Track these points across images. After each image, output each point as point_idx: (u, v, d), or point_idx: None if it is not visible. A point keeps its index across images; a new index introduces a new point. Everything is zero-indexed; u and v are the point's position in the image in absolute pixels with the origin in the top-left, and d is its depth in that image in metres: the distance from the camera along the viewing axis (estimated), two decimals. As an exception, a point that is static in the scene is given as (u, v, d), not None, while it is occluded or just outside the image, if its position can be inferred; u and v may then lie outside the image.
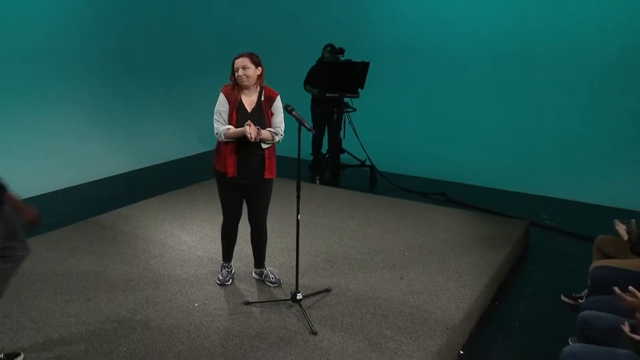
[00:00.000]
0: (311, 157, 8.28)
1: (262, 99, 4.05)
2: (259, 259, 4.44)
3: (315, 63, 7.93)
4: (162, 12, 9.20)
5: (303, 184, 7.04)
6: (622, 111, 7.22)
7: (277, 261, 4.77)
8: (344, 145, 8.13)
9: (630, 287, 2.71)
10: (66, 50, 7.90)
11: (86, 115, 8.32)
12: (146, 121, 9.38)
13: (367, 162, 8.02)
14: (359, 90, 7.65)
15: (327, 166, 8.14)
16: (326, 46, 7.86)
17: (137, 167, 8.25)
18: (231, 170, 4.01)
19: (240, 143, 3.96)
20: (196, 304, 4.02)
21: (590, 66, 7.40)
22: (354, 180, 7.95)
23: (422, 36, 8.69)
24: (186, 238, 5.23)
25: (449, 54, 8.50)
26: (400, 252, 5.03)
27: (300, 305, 3.90)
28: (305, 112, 7.87)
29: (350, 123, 7.83)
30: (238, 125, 3.94)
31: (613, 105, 7.29)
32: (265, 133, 3.97)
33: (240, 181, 4.06)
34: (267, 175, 4.10)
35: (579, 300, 4.36)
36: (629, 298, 2.67)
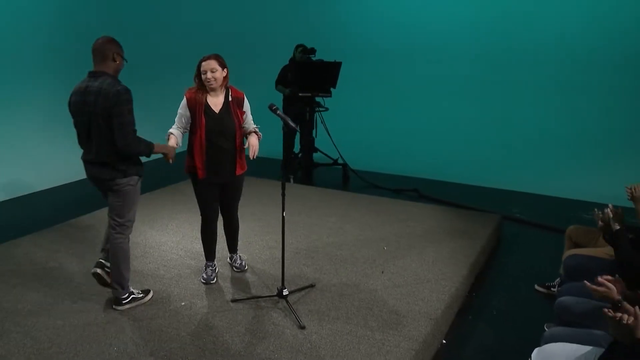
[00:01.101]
0: (282, 157, 8.37)
1: (230, 99, 4.09)
2: (232, 245, 4.63)
3: (287, 63, 8.00)
4: (130, 10, 9.10)
5: (276, 183, 7.19)
6: (590, 110, 7.51)
7: (260, 259, 4.84)
8: (316, 144, 8.22)
9: (599, 278, 2.87)
10: (27, 52, 7.74)
11: (51, 118, 8.16)
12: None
13: (340, 161, 8.13)
14: (331, 89, 7.75)
15: (300, 165, 8.22)
16: (297, 46, 7.94)
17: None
18: (200, 172, 4.06)
19: (210, 143, 4.01)
20: (183, 303, 4.05)
21: (559, 66, 7.66)
22: (327, 178, 8.05)
23: (392, 35, 8.83)
24: (167, 239, 5.24)
25: (419, 52, 8.66)
26: (379, 247, 5.14)
27: (286, 301, 3.97)
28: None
29: (322, 122, 7.93)
30: (209, 127, 3.98)
31: (581, 103, 7.56)
32: (255, 142, 4.08)
33: (212, 181, 4.13)
34: (238, 172, 4.19)
35: (552, 289, 4.55)
36: (599, 288, 2.83)
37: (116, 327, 3.70)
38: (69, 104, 3.77)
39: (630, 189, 3.83)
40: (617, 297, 2.69)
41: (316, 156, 8.26)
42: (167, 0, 9.79)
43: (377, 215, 6.01)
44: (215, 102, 4.05)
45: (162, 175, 7.48)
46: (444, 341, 3.94)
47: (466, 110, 8.36)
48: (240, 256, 4.67)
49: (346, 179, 8.09)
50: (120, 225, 3.88)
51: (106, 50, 3.69)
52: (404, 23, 8.76)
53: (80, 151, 3.90)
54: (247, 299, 4.10)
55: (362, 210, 6.18)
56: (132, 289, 4.03)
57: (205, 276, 4.40)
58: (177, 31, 10.01)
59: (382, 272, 4.60)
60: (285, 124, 4.04)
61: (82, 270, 4.56)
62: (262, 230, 5.47)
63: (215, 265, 4.51)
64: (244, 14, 10.08)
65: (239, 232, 4.63)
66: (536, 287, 4.68)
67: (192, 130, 4.09)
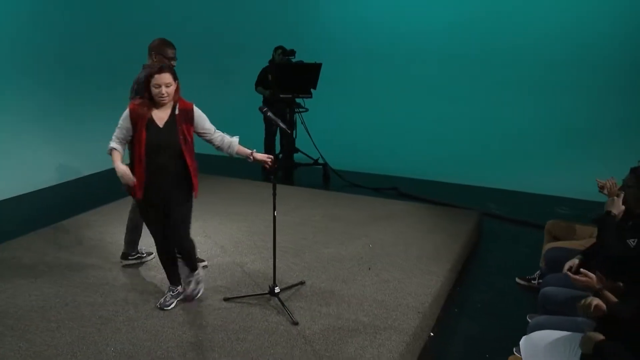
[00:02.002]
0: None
1: (177, 112, 3.76)
2: (188, 266, 4.14)
3: (266, 65, 8.08)
4: (107, 11, 9.05)
5: (260, 183, 7.26)
6: (564, 108, 7.78)
7: (249, 258, 4.91)
8: (297, 145, 8.31)
9: (581, 269, 3.05)
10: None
11: (31, 123, 8.10)
12: (93, 126, 9.23)
13: (320, 160, 8.23)
14: (312, 90, 7.85)
15: (280, 165, 8.30)
16: (277, 48, 8.02)
17: (88, 173, 8.11)
18: (139, 193, 3.74)
19: (150, 160, 3.68)
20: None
21: (535, 65, 7.91)
22: (308, 178, 8.14)
23: (372, 36, 8.98)
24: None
25: (398, 53, 8.83)
26: (364, 244, 5.26)
27: (279, 298, 4.06)
28: (257, 113, 8.00)
29: (302, 123, 8.02)
30: (149, 143, 3.66)
31: (556, 102, 7.83)
32: (261, 157, 3.98)
33: (154, 201, 3.82)
34: (183, 194, 3.85)
35: (532, 282, 4.73)
36: (582, 279, 3.00)
37: (112, 328, 3.75)
38: None
39: (604, 184, 4.03)
40: (598, 286, 2.86)
41: (297, 156, 8.34)
42: (147, 2, 9.76)
43: (359, 213, 6.13)
44: (161, 115, 3.72)
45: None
46: (432, 334, 4.07)
47: (443, 109, 8.55)
48: (196, 279, 4.12)
49: (327, 178, 8.19)
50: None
51: (150, 48, 4.26)
52: (383, 24, 8.92)
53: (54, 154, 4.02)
54: (240, 297, 4.18)
55: (345, 209, 6.29)
56: (140, 250, 4.77)
57: (161, 300, 4.04)
58: (153, 32, 9.97)
59: (369, 269, 4.72)
60: (277, 126, 4.11)
61: (72, 272, 4.58)
62: (249, 230, 5.54)
63: (178, 290, 4.12)
64: (222, 15, 10.11)
65: (229, 235, 4.72)
66: (517, 280, 4.85)
67: (132, 145, 3.76)
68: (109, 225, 5.61)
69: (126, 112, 3.74)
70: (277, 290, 4.10)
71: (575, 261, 3.70)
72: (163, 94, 3.65)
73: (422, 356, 3.80)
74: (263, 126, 8.23)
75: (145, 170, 3.69)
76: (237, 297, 4.17)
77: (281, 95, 7.77)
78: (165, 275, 4.21)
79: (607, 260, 3.55)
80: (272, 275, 4.21)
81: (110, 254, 4.95)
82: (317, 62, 7.67)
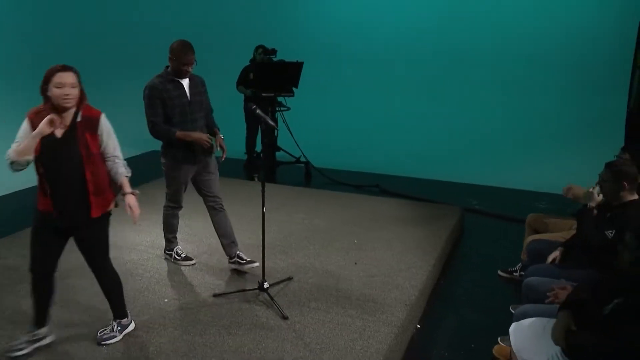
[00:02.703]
0: (245, 157, 8.48)
1: (79, 119, 3.25)
2: (113, 310, 3.66)
3: (247, 64, 8.11)
4: (84, 11, 8.99)
5: (242, 182, 7.30)
6: (540, 106, 7.98)
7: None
8: (278, 143, 8.35)
9: (553, 286, 3.32)
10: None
11: (7, 123, 8.00)
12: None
13: (302, 159, 8.29)
14: (294, 89, 7.90)
15: (262, 164, 8.34)
16: (257, 47, 8.06)
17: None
18: (41, 212, 3.30)
19: (50, 175, 3.22)
20: (166, 300, 4.14)
21: (510, 64, 8.11)
22: (290, 176, 8.18)
23: (351, 37, 9.08)
24: (141, 239, 5.29)
25: (377, 52, 8.94)
26: (349, 240, 5.33)
27: (268, 293, 4.11)
28: (238, 112, 8.06)
29: (284, 121, 8.07)
30: (46, 155, 3.16)
31: (532, 100, 8.02)
32: (134, 203, 3.45)
33: (57, 224, 3.32)
34: (94, 213, 3.34)
35: (514, 274, 4.85)
36: (560, 291, 3.21)
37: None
38: None
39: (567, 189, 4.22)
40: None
41: (278, 155, 8.39)
42: (125, 3, 9.71)
43: (343, 210, 6.20)
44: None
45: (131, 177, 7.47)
46: (418, 326, 4.16)
47: (424, 107, 8.68)
48: (115, 327, 3.61)
49: (308, 176, 8.25)
50: (166, 194, 4.59)
51: (169, 51, 4.20)
52: (360, 25, 9.03)
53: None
54: (229, 293, 4.21)
55: (329, 206, 6.36)
56: (175, 249, 4.82)
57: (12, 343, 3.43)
58: (131, 32, 9.96)
59: (356, 264, 4.80)
60: (265, 123, 4.16)
61: (59, 272, 4.54)
62: (235, 228, 5.52)
63: (41, 334, 3.49)
64: (202, 14, 10.11)
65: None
66: (499, 272, 4.97)
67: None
68: (94, 225, 5.58)
69: (25, 124, 3.18)
70: (266, 285, 4.15)
71: (557, 253, 3.85)
72: (67, 95, 3.11)
73: (410, 347, 3.88)
74: (244, 125, 8.26)
75: (48, 187, 3.23)
76: (226, 293, 4.21)
77: (263, 94, 7.81)
78: (158, 275, 4.22)
79: (587, 251, 3.70)
80: (259, 271, 4.26)
81: (96, 253, 4.93)
82: (299, 60, 7.72)
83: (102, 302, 3.78)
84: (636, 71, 7.69)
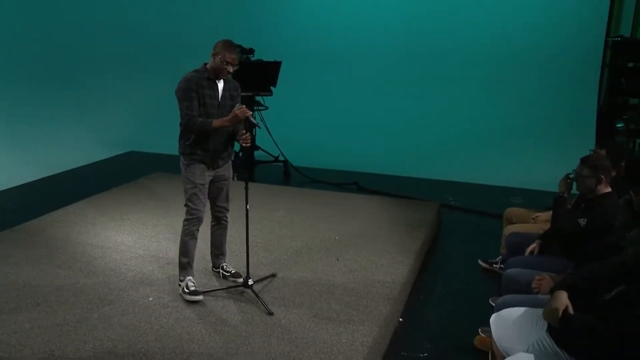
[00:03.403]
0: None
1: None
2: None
3: (226, 63, 8.11)
4: (64, 10, 8.90)
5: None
6: (515, 103, 8.18)
7: (219, 253, 4.97)
8: (257, 142, 8.37)
9: (535, 277, 3.40)
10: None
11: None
12: (48, 128, 9.10)
13: (281, 158, 8.33)
14: (272, 88, 7.94)
15: (241, 163, 8.35)
16: (235, 47, 8.06)
17: (44, 176, 7.94)
18: None
19: None
20: (150, 299, 4.15)
21: (485, 62, 8.27)
22: (268, 175, 8.21)
23: (327, 35, 9.14)
24: (123, 238, 5.28)
25: (353, 51, 9.02)
26: (330, 237, 5.40)
27: (252, 290, 4.15)
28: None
29: (262, 120, 8.09)
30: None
31: (507, 98, 8.21)
32: None
33: None
34: None
35: (494, 265, 4.98)
36: (541, 282, 3.34)
37: (88, 326, 3.76)
38: None
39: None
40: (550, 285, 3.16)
41: (257, 154, 8.41)
42: (103, 2, 9.64)
43: (323, 208, 6.27)
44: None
45: (96, 179, 7.47)
46: (401, 319, 4.25)
47: (400, 106, 8.79)
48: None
49: (287, 175, 8.30)
50: (185, 205, 4.21)
51: (213, 48, 4.08)
52: (338, 23, 9.09)
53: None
54: (214, 290, 4.24)
55: (308, 204, 6.42)
56: (186, 279, 4.19)
57: None
58: (109, 33, 9.89)
59: (338, 260, 4.87)
60: (248, 121, 4.17)
61: (40, 274, 4.53)
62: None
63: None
64: (178, 15, 10.07)
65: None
66: (480, 262, 5.10)
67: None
68: (74, 226, 5.56)
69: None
70: (250, 282, 4.19)
71: (535, 245, 3.98)
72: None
73: (393, 340, 3.97)
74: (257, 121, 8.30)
75: None
76: (211, 291, 4.24)
77: (242, 94, 7.81)
78: (141, 275, 4.21)
79: (561, 239, 3.84)
80: (243, 268, 4.30)
81: (78, 253, 4.92)
82: (277, 60, 7.76)
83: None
84: (605, 69, 7.93)
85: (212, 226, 4.49)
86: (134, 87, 10.01)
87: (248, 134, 4.13)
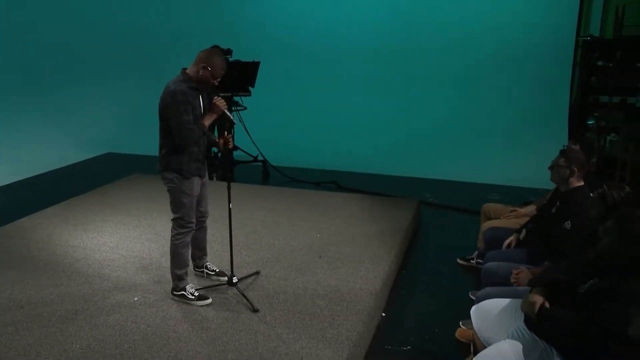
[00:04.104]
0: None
1: None
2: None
3: (203, 64, 8.12)
4: (38, 10, 8.81)
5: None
6: (489, 101, 8.36)
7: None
8: (235, 142, 8.38)
9: (512, 270, 3.54)
10: None
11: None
12: (24, 131, 9.01)
13: (260, 157, 8.36)
14: (250, 88, 7.98)
15: (220, 164, 8.37)
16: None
17: (20, 178, 7.86)
18: None
19: None
20: (136, 298, 4.17)
21: (460, 61, 8.45)
22: (248, 175, 8.24)
23: (304, 35, 9.21)
24: (105, 240, 5.27)
25: (331, 51, 9.12)
26: (312, 235, 5.47)
27: (237, 288, 4.20)
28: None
29: (240, 121, 8.12)
30: None
31: (481, 95, 8.40)
32: None
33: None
34: None
35: (471, 261, 5.10)
36: (519, 275, 3.48)
37: (74, 327, 3.77)
38: None
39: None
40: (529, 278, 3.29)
41: (236, 154, 8.43)
42: (78, 1, 9.56)
43: (303, 206, 6.33)
44: None
45: (70, 182, 7.42)
46: (383, 314, 4.34)
47: (378, 105, 8.91)
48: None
49: (266, 175, 8.34)
50: (172, 220, 4.11)
51: (200, 59, 3.87)
52: (316, 23, 9.18)
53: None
54: (198, 289, 4.26)
55: (289, 203, 6.48)
56: (187, 288, 4.13)
57: None
58: (80, 32, 9.81)
59: (320, 257, 4.94)
60: (225, 117, 4.18)
61: (22, 276, 4.51)
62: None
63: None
64: (154, 15, 10.04)
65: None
66: (458, 260, 5.21)
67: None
68: (55, 228, 5.54)
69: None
70: (234, 280, 4.23)
71: (512, 238, 4.11)
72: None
73: (377, 335, 4.05)
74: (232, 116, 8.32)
75: None
76: (196, 289, 4.26)
77: (221, 94, 7.83)
78: (125, 275, 4.22)
79: (544, 238, 3.92)
80: (226, 268, 4.35)
81: (60, 255, 4.91)
82: (255, 60, 7.80)
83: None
84: (576, 68, 8.14)
85: (195, 230, 4.43)
86: (110, 89, 9.97)
87: (229, 136, 4.15)
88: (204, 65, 3.86)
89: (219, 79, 3.98)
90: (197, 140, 3.94)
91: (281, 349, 3.52)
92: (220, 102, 4.02)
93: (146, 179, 7.22)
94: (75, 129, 9.58)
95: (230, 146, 4.15)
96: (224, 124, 4.31)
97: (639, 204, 3.06)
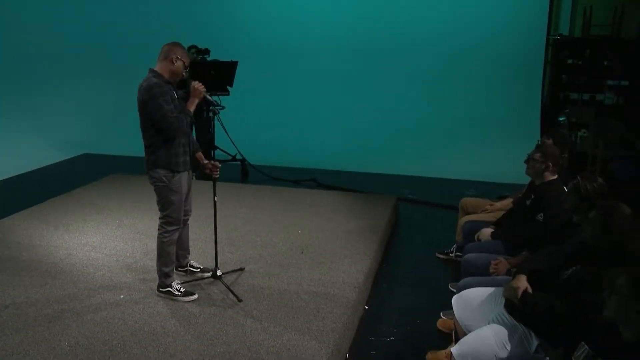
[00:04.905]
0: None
1: None
2: None
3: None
4: (5, 13, 8.73)
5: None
6: (463, 98, 8.58)
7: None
8: (215, 143, 8.43)
9: (492, 261, 3.69)
10: None
11: None
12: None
13: (238, 156, 8.40)
14: (229, 88, 8.02)
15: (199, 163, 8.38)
16: (190, 47, 8.09)
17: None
18: None
19: None
20: (122, 296, 4.20)
21: (435, 58, 8.65)
22: (226, 174, 8.19)
23: (282, 34, 9.31)
24: (87, 239, 5.28)
25: (307, 50, 9.22)
26: (294, 231, 5.55)
27: (222, 281, 4.26)
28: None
29: (219, 120, 8.14)
30: None
31: (455, 93, 8.60)
32: None
33: None
34: None
35: (450, 255, 5.24)
36: (498, 265, 3.64)
37: (61, 324, 3.79)
38: None
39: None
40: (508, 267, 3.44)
41: (215, 153, 8.46)
42: (50, 2, 9.49)
43: (284, 204, 6.40)
44: None
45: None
46: (366, 307, 4.44)
47: (355, 103, 9.05)
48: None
49: (245, 173, 8.39)
50: (160, 218, 4.15)
51: (169, 52, 3.91)
52: (292, 22, 9.27)
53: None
54: (183, 283, 4.29)
55: (269, 200, 6.54)
56: (173, 284, 4.16)
57: None
58: (52, 32, 9.74)
59: (302, 252, 5.02)
60: (206, 100, 4.27)
61: (5, 277, 4.49)
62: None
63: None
64: (130, 15, 10.01)
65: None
66: (437, 254, 5.35)
67: None
68: (36, 229, 5.52)
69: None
70: (219, 273, 4.29)
71: (486, 230, 4.23)
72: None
73: (360, 327, 4.16)
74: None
75: None
76: (181, 284, 4.30)
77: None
78: (110, 273, 4.24)
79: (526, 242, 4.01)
80: (210, 265, 4.43)
81: (43, 255, 4.91)
82: (233, 60, 7.85)
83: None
84: (547, 67, 8.37)
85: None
86: (84, 89, 9.90)
87: (218, 164, 4.43)
88: (176, 56, 3.95)
89: (187, 69, 4.08)
90: (185, 127, 4.01)
91: (268, 342, 3.60)
92: (199, 85, 4.10)
93: (125, 179, 7.23)
94: (50, 130, 9.50)
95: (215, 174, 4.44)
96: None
97: (610, 195, 3.22)
